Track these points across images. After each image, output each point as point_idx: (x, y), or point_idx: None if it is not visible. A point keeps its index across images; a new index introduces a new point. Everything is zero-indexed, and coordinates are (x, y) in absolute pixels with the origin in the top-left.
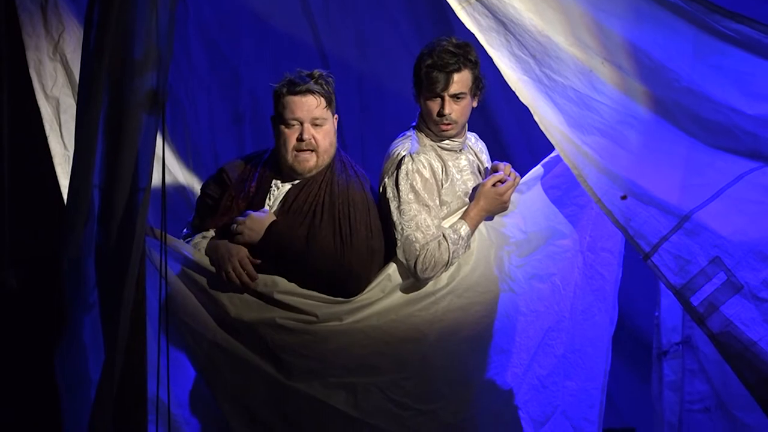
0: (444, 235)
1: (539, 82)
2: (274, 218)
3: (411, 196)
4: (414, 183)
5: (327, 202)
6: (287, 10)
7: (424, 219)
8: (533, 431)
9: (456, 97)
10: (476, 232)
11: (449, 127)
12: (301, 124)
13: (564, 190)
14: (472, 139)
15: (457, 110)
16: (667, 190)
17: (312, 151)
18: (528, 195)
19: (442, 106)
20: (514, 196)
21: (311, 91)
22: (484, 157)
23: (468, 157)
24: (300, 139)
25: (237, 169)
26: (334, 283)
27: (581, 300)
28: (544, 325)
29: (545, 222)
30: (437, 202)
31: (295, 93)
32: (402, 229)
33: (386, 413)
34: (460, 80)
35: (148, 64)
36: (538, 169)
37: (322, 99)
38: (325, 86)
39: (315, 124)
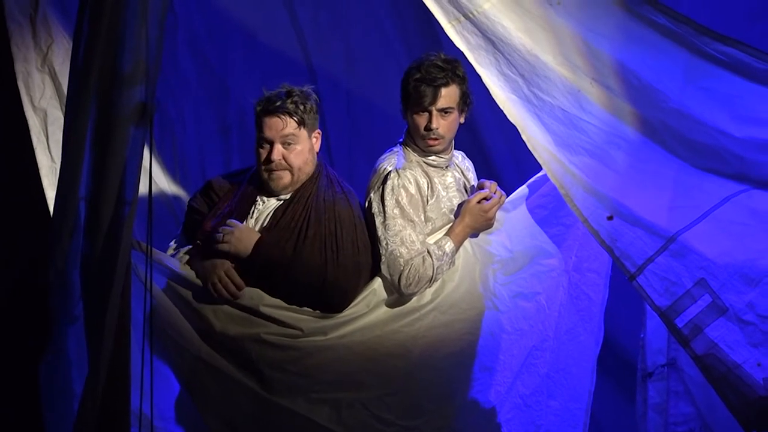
0: (428, 251)
1: (527, 102)
2: (260, 235)
3: (396, 211)
4: (399, 198)
5: (313, 219)
6: (276, 24)
7: (409, 234)
8: None
9: (443, 111)
10: (461, 249)
11: (436, 142)
12: (271, 144)
13: (551, 210)
14: (459, 156)
15: (444, 125)
16: (654, 211)
17: (285, 169)
18: (514, 214)
19: (430, 121)
20: (501, 215)
21: (280, 112)
22: (471, 175)
23: (454, 174)
24: (269, 160)
25: (224, 185)
26: (319, 299)
27: (566, 320)
28: (528, 344)
29: (531, 241)
30: (422, 218)
31: (266, 113)
32: (387, 244)
33: (370, 429)
34: (448, 95)
35: (136, 76)
36: (524, 188)
37: (292, 119)
38: (299, 105)
39: (285, 143)
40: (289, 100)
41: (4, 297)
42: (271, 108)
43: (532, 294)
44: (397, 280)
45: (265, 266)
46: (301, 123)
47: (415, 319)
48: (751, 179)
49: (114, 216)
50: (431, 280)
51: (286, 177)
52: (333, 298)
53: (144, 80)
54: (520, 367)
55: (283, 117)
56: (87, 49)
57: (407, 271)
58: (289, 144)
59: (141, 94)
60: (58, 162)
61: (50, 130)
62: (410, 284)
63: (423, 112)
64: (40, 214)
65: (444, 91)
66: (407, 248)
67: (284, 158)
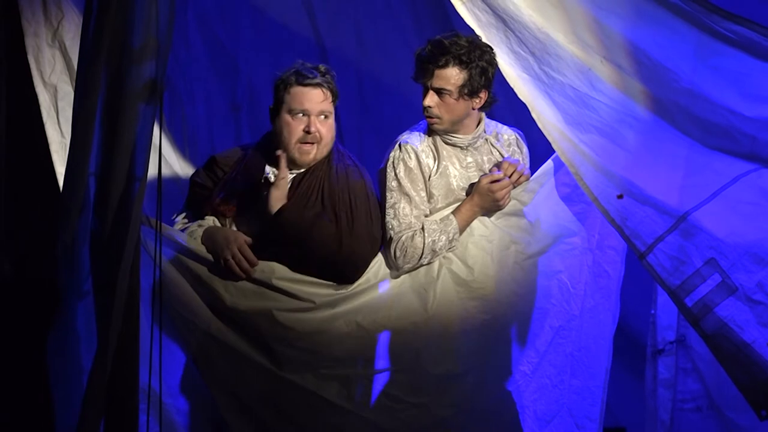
0: (423, 227)
1: (538, 80)
2: (286, 200)
3: (393, 184)
4: (398, 171)
5: (327, 190)
6: (287, 2)
7: (403, 208)
8: (538, 430)
9: (438, 91)
10: (478, 228)
11: (432, 120)
12: (308, 116)
13: (573, 188)
14: (504, 135)
15: (439, 105)
16: (664, 190)
17: (314, 143)
18: (538, 192)
19: (424, 97)
20: (525, 194)
21: (320, 85)
22: (516, 158)
23: (477, 157)
24: (307, 131)
25: (228, 160)
26: (333, 269)
27: (590, 298)
28: (554, 323)
29: (554, 220)
30: (422, 193)
31: (305, 84)
32: (384, 214)
33: (378, 406)
34: (445, 76)
35: (146, 53)
36: (546, 167)
37: (330, 93)
38: (331, 81)
39: (323, 116)
40: (327, 75)
41: (13, 272)
42: (311, 81)
43: (553, 272)
44: (387, 251)
45: (284, 233)
46: (335, 98)
47: (425, 298)
48: (762, 158)
49: (124, 192)
50: (422, 257)
51: (313, 152)
52: (346, 268)
53: (154, 57)
54: (546, 346)
55: (324, 91)
56: (97, 25)
57: (395, 244)
58: (326, 117)
59: (151, 71)
60: (68, 137)
61: (60, 106)
62: (399, 257)
63: (422, 87)
64: (49, 189)
65: (439, 71)
66: (399, 221)
67: (318, 131)
